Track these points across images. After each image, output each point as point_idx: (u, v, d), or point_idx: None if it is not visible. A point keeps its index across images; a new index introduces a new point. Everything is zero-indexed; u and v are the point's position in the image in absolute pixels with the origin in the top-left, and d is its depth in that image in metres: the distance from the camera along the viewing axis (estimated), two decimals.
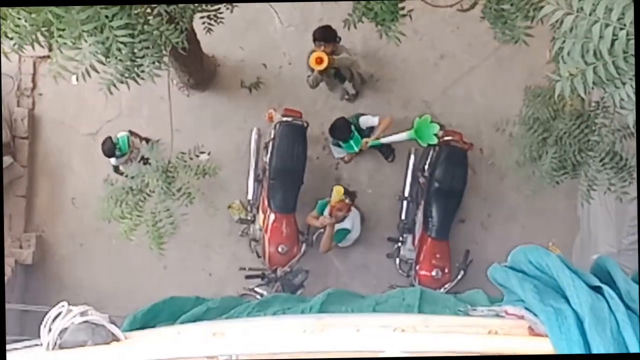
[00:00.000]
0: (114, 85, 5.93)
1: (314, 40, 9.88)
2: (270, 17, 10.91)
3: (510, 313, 3.76)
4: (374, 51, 11.01)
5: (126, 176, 7.60)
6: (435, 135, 9.97)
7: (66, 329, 3.72)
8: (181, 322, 5.19)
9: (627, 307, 3.48)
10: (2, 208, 4.57)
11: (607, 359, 3.11)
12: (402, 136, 10.14)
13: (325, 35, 9.82)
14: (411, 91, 11.31)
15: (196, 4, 6.88)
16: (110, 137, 10.11)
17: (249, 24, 11.34)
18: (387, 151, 11.10)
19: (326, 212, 10.12)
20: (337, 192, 9.88)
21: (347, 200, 10.00)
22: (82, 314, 3.78)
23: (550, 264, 3.80)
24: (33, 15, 5.26)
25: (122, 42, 5.50)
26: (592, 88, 4.26)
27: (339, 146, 10.52)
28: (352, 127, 10.15)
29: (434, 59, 11.35)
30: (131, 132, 10.44)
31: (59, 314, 3.78)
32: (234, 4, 7.55)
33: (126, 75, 5.88)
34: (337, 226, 10.18)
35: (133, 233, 6.96)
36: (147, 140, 10.39)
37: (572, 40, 4.06)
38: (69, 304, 3.96)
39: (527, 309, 3.65)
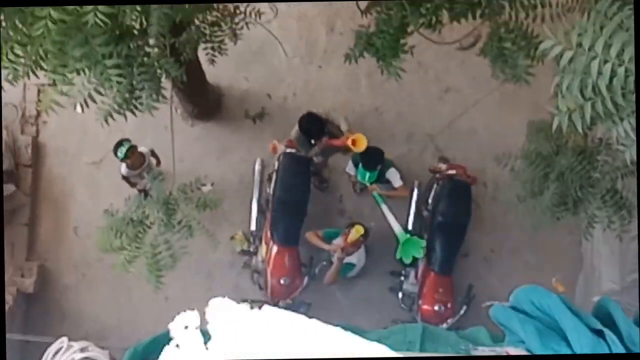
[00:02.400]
0: (111, 116, 5.93)
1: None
2: (275, 49, 10.92)
3: (511, 354, 3.73)
4: (378, 84, 10.99)
5: (139, 190, 7.53)
6: (420, 250, 10.02)
7: None
8: None
9: (628, 350, 3.45)
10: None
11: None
12: (395, 225, 10.07)
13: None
14: (415, 125, 11.31)
15: (200, 37, 6.90)
16: (124, 140, 10.01)
17: (254, 54, 11.39)
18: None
19: (336, 241, 10.07)
20: (357, 231, 9.75)
21: (361, 238, 9.92)
22: (82, 349, 3.76)
23: (551, 305, 3.77)
24: (29, 48, 5.28)
25: (116, 79, 5.52)
26: (593, 124, 4.26)
27: (356, 167, 10.35)
28: (380, 166, 9.99)
29: (439, 93, 11.37)
30: (153, 152, 10.37)
31: (60, 349, 3.76)
32: (238, 33, 7.56)
33: (124, 106, 5.89)
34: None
35: (132, 265, 6.92)
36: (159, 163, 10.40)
37: (570, 76, 4.06)
38: (70, 335, 3.92)
39: (528, 350, 3.62)
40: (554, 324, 3.71)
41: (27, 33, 5.26)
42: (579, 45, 3.94)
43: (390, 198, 10.17)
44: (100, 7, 4.95)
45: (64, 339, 3.78)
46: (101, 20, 4.99)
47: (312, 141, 10.07)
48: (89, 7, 4.93)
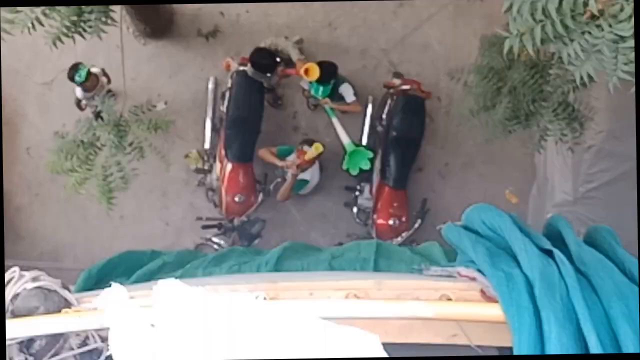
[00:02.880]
0: (60, 40, 5.84)
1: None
2: None
3: (463, 275, 3.78)
4: None
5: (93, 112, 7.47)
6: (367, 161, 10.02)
7: (18, 294, 3.68)
8: (137, 277, 5.19)
9: (578, 270, 3.50)
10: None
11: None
12: (344, 137, 10.04)
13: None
14: (369, 40, 11.25)
15: None
16: (78, 63, 9.91)
17: None
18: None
19: (290, 158, 10.08)
20: (316, 148, 9.75)
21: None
22: (34, 279, 3.73)
23: (502, 225, 3.81)
24: None
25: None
26: (543, 45, 4.29)
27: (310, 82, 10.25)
28: (334, 80, 9.94)
29: (393, 7, 11.27)
30: (104, 72, 10.26)
31: (11, 279, 3.74)
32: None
33: (72, 29, 5.79)
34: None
35: (83, 187, 6.89)
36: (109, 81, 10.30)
37: (520, 0, 4.07)
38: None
39: (479, 270, 3.66)
40: (505, 244, 3.76)
41: None
42: None
43: (343, 113, 10.16)
44: None
45: (16, 269, 3.75)
46: None
47: (268, 74, 10.02)
48: None
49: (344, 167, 9.87)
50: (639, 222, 6.55)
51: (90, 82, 9.83)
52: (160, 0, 5.67)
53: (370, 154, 9.97)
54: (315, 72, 9.46)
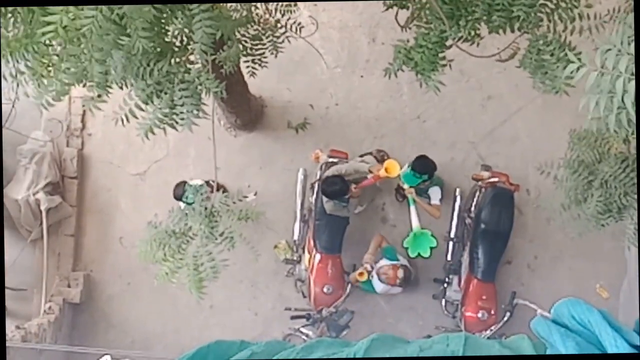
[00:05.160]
0: (152, 132, 5.98)
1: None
2: (317, 59, 10.97)
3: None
4: (420, 92, 11.00)
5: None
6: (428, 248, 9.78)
7: None
8: None
9: None
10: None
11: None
12: (415, 221, 9.79)
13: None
14: (458, 132, 11.32)
15: (241, 52, 6.96)
16: (184, 182, 9.99)
17: (296, 65, 11.45)
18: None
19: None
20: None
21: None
22: None
23: (592, 320, 3.77)
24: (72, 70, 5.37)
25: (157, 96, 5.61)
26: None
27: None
28: (429, 175, 9.89)
29: (481, 100, 11.35)
30: (207, 183, 10.29)
31: None
32: (279, 47, 7.62)
33: (165, 121, 5.94)
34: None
35: (174, 276, 6.97)
36: (221, 187, 10.30)
37: (596, 96, 4.08)
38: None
39: None
40: (594, 339, 3.71)
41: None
42: (604, 64, 3.96)
43: (422, 210, 10.11)
44: (140, 25, 5.05)
45: (107, 357, 3.82)
46: (143, 38, 5.10)
47: (344, 197, 10.11)
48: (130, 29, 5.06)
49: (404, 245, 9.76)
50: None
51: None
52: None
53: (435, 243, 9.77)
54: (395, 168, 9.45)
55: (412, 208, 9.85)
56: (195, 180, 10.14)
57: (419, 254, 9.77)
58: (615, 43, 3.98)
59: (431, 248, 9.71)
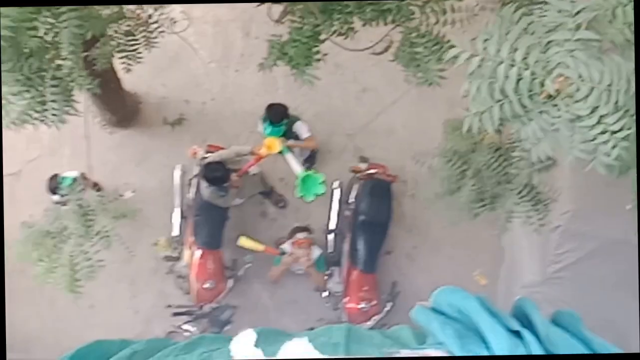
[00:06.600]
0: (22, 126, 5.87)
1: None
2: (192, 54, 10.90)
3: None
4: (296, 86, 11.01)
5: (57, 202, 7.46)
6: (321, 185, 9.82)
7: None
8: None
9: (546, 350, 3.51)
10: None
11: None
12: (296, 167, 9.68)
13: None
14: (334, 125, 11.38)
15: (114, 48, 6.86)
16: (56, 175, 9.85)
17: (170, 60, 11.36)
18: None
19: (287, 247, 10.26)
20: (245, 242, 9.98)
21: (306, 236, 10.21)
22: None
23: (469, 307, 3.81)
24: None
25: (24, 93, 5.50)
26: (502, 125, 4.35)
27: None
28: (286, 119, 9.85)
29: (356, 93, 11.43)
30: (83, 175, 10.15)
31: None
32: (152, 42, 7.53)
33: (36, 117, 5.82)
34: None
35: (50, 276, 6.84)
36: (96, 185, 10.19)
37: (478, 80, 4.15)
38: None
39: (449, 352, 3.66)
40: (473, 326, 3.76)
41: None
42: (485, 50, 4.03)
43: (300, 149, 10.22)
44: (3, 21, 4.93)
45: None
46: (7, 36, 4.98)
47: (224, 185, 10.00)
48: None
49: (298, 194, 9.69)
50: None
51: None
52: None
53: (322, 177, 9.55)
54: (276, 144, 9.46)
55: (289, 156, 9.67)
56: (70, 172, 9.97)
57: (316, 195, 9.70)
58: (493, 33, 4.06)
59: (322, 182, 9.63)
